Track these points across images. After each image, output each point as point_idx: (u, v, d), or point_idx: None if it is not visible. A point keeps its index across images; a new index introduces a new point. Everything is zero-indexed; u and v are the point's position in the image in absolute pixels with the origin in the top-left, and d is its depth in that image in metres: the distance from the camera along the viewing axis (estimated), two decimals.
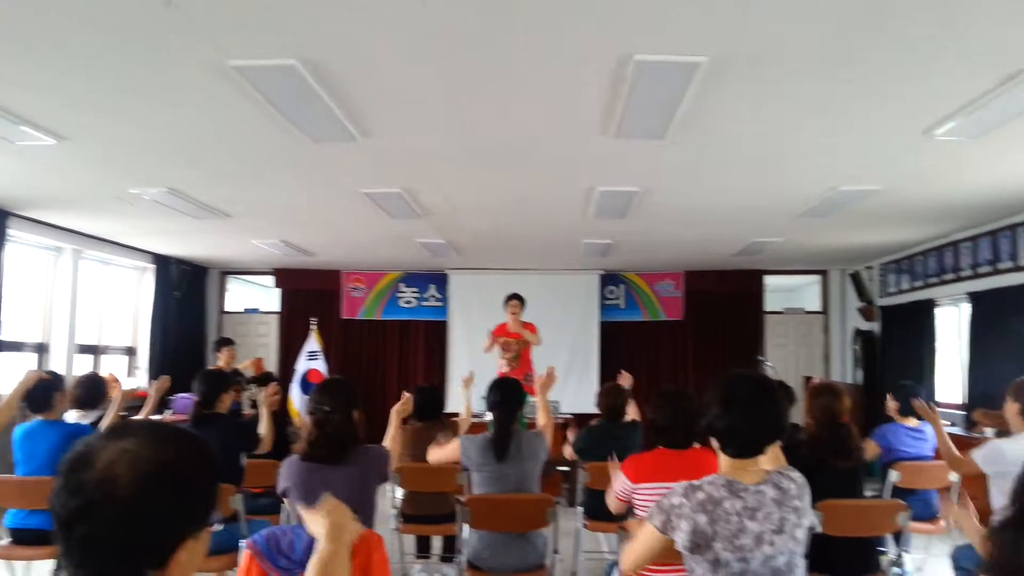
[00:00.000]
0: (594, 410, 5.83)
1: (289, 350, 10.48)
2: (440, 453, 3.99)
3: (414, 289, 10.77)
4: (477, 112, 4.17)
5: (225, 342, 7.99)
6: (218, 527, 3.68)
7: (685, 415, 3.37)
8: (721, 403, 2.14)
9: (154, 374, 9.22)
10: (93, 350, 8.65)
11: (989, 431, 6.41)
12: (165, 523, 1.09)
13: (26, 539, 3.96)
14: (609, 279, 10.68)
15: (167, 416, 7.85)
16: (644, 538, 2.21)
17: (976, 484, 3.91)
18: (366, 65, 3.48)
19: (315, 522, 1.70)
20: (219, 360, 7.73)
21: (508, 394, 3.88)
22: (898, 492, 4.56)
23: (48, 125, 4.33)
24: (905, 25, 3.06)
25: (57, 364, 7.62)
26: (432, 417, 5.00)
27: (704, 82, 3.59)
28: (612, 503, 3.48)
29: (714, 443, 2.21)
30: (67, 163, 5.15)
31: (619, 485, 3.40)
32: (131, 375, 9.27)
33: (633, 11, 2.96)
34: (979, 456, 3.75)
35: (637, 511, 3.32)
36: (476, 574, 3.67)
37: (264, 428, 4.43)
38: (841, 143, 4.67)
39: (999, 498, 3.61)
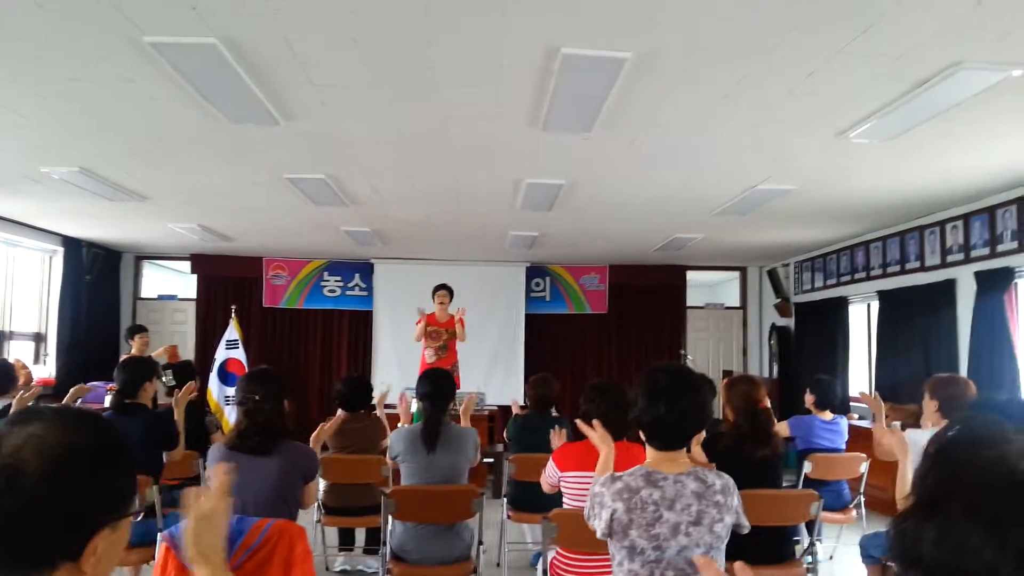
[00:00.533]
0: (519, 402, 5.89)
1: (207, 338, 10.20)
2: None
3: (338, 278, 10.62)
4: (403, 99, 4.13)
5: (138, 329, 7.75)
6: (138, 518, 3.57)
7: (617, 408, 3.41)
8: (647, 396, 2.18)
9: (63, 360, 8.87)
10: None
11: (896, 424, 6.69)
12: (76, 512, 1.04)
13: None
14: (535, 271, 10.75)
15: (80, 405, 7.56)
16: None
17: (884, 472, 4.06)
18: (288, 47, 3.40)
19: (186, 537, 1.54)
20: (132, 348, 7.48)
21: (439, 386, 3.86)
22: (811, 483, 4.72)
23: None
24: (822, 30, 3.16)
25: None
26: (358, 408, 4.95)
27: (629, 77, 3.64)
28: (545, 485, 3.53)
29: (641, 435, 2.26)
30: None
31: (549, 471, 3.45)
32: (39, 362, 8.88)
33: (561, 4, 2.97)
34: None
35: (564, 500, 3.36)
36: (401, 566, 3.65)
37: (178, 421, 4.30)
38: (758, 143, 4.80)
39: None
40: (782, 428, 4.94)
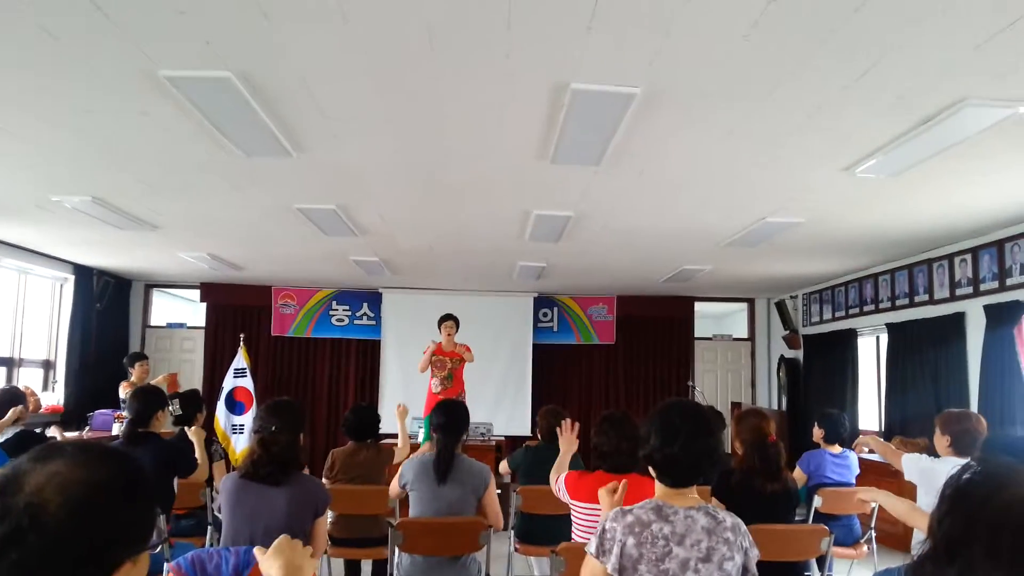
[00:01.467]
0: (526, 432, 5.87)
1: (215, 366, 10.22)
2: (393, 487, 3.90)
3: (347, 307, 10.64)
4: (413, 132, 4.17)
5: (138, 357, 7.77)
6: (156, 549, 3.56)
7: (629, 440, 3.41)
8: (660, 435, 2.18)
9: (71, 388, 8.89)
10: (8, 362, 8.28)
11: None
12: (99, 548, 1.05)
13: None
14: (543, 302, 10.75)
15: (86, 433, 7.57)
16: (586, 567, 2.22)
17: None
18: (300, 80, 3.45)
19: (269, 563, 1.62)
20: (132, 376, 7.50)
21: (453, 417, 3.85)
22: (821, 517, 4.68)
23: None
24: (824, 69, 3.21)
25: None
26: (367, 437, 4.94)
27: (638, 112, 3.68)
28: (553, 487, 3.52)
29: (651, 471, 2.25)
30: None
31: (560, 487, 3.45)
32: (48, 389, 8.90)
33: (570, 40, 3.01)
34: (913, 462, 3.87)
35: (574, 532, 3.35)
36: None
37: (199, 458, 4.36)
38: (767, 177, 4.82)
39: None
40: (798, 474, 4.91)
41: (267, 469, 3.00)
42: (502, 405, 10.13)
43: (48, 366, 9.11)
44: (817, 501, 4.76)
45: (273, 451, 3.02)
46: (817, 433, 5.19)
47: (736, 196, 5.33)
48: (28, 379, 8.49)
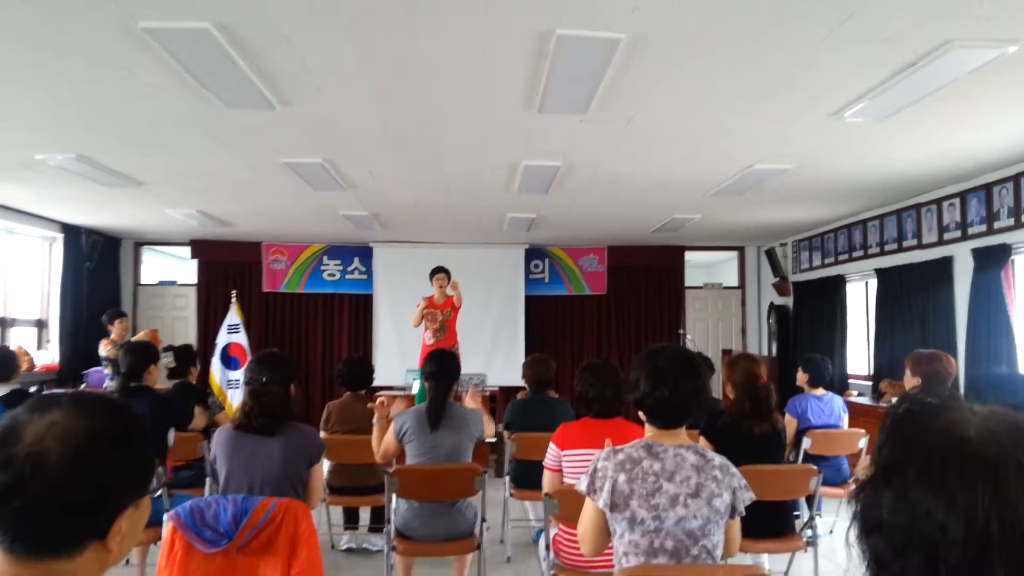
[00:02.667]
0: (519, 383, 5.90)
1: (208, 323, 10.24)
2: (387, 440, 3.92)
3: (338, 262, 10.64)
4: (395, 86, 4.14)
5: (118, 314, 7.77)
6: (156, 494, 3.63)
7: (611, 387, 3.48)
8: (649, 378, 2.22)
9: (65, 347, 8.92)
10: (0, 322, 8.28)
11: (895, 400, 6.73)
12: (100, 495, 1.08)
13: None
14: (534, 253, 10.76)
15: (82, 389, 7.62)
16: (584, 514, 2.27)
17: None
18: (281, 31, 3.41)
19: None
20: (112, 333, 7.52)
21: (443, 365, 3.91)
22: (810, 459, 4.77)
23: None
24: (806, 17, 3.19)
25: None
26: (361, 388, 5.00)
27: (624, 59, 3.65)
28: (547, 480, 3.53)
29: (641, 415, 2.30)
30: None
31: (550, 454, 3.48)
32: (42, 348, 8.92)
33: None
34: None
35: (566, 479, 3.40)
36: (406, 543, 3.70)
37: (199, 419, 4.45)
38: (754, 124, 4.81)
39: None
40: (790, 423, 4.98)
41: (260, 420, 3.04)
42: (495, 356, 10.20)
43: (41, 325, 9.12)
44: (806, 443, 4.85)
45: (264, 402, 3.06)
46: (801, 377, 5.27)
47: (723, 144, 5.31)
48: (21, 339, 8.51)
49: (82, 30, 3.36)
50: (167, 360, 4.91)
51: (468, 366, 7.73)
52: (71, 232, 9.15)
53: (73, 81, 4.05)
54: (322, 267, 10.62)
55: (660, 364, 2.24)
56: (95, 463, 1.07)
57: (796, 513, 4.00)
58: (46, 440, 1.04)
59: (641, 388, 2.24)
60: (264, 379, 3.15)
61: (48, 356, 8.82)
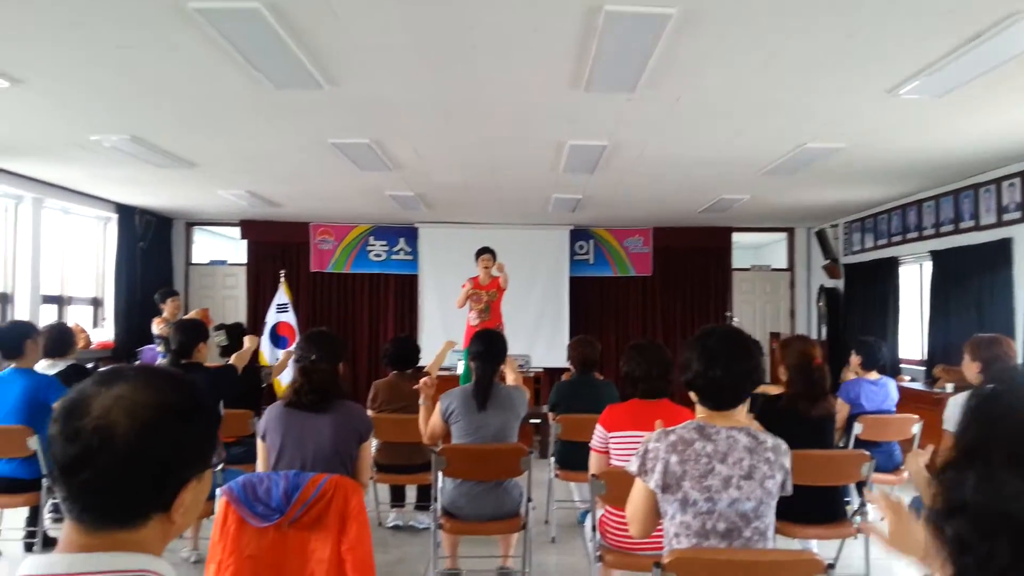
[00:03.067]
0: (563, 364, 5.91)
1: (258, 302, 10.42)
2: (433, 421, 3.93)
3: (383, 242, 10.72)
4: (444, 63, 4.13)
5: (170, 293, 7.93)
6: (218, 467, 3.72)
7: (659, 366, 3.45)
8: (701, 359, 2.19)
9: (120, 325, 9.15)
10: (58, 300, 8.52)
11: (949, 386, 6.58)
12: (166, 467, 1.09)
13: None
14: (579, 234, 10.71)
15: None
16: (634, 495, 2.26)
17: (937, 434, 4.00)
18: (330, 10, 3.42)
19: None
20: (164, 312, 7.68)
21: (490, 345, 3.92)
22: (861, 444, 4.68)
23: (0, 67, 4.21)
24: None
25: (22, 314, 7.51)
26: (407, 367, 5.03)
27: (674, 35, 3.58)
28: (594, 462, 3.51)
29: (692, 396, 2.26)
30: (23, 108, 5.01)
31: (597, 435, 3.46)
32: (97, 326, 9.17)
33: None
34: (947, 420, 3.83)
35: (613, 461, 3.38)
36: (452, 522, 3.73)
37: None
38: (807, 101, 4.70)
39: None
40: (842, 407, 4.88)
41: (309, 397, 3.08)
42: (539, 338, 10.21)
43: (96, 303, 9.37)
44: (857, 428, 4.76)
45: (314, 379, 3.10)
46: (854, 360, 5.17)
47: (775, 122, 5.20)
48: (78, 316, 8.76)
49: (135, 9, 3.41)
50: (219, 338, 5.01)
51: (512, 347, 7.64)
52: (125, 212, 9.36)
53: (126, 61, 4.11)
54: (368, 247, 10.71)
55: (712, 344, 2.20)
56: (162, 436, 1.09)
57: (846, 499, 3.93)
58: (113, 413, 1.06)
59: (693, 368, 2.21)
60: (313, 357, 3.19)
61: (103, 334, 9.06)
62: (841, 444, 4.76)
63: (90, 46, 3.89)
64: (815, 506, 3.61)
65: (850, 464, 3.73)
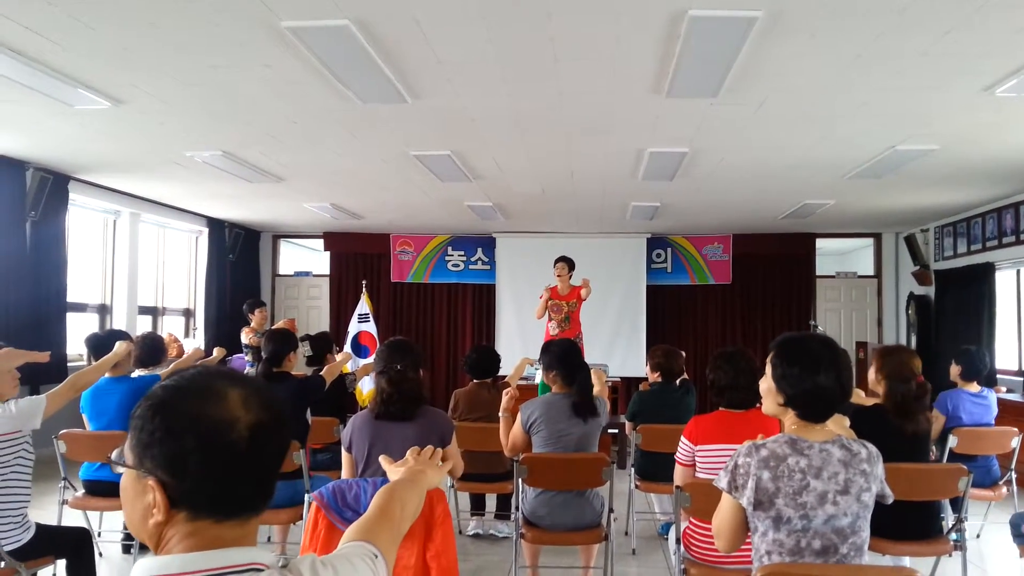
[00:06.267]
0: (640, 374, 5.85)
1: (340, 312, 10.66)
2: (514, 433, 3.91)
3: (461, 252, 10.83)
4: (526, 75, 4.16)
5: (257, 304, 8.18)
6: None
7: (746, 375, 3.35)
8: (801, 367, 2.11)
9: (210, 335, 9.48)
10: (153, 311, 8.90)
11: None
12: (280, 463, 1.14)
13: (99, 491, 4.12)
14: (656, 242, 10.61)
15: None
16: (722, 509, 2.20)
17: None
18: (416, 25, 3.49)
19: (395, 469, 1.75)
20: (252, 322, 7.91)
21: (566, 358, 3.89)
22: (956, 458, 4.48)
23: (104, 88, 4.43)
24: None
25: (119, 324, 7.88)
26: (488, 376, 5.06)
27: (759, 38, 3.54)
28: (679, 475, 3.46)
29: (782, 405, 2.18)
30: (123, 126, 5.28)
31: (682, 448, 3.40)
32: (189, 336, 9.53)
33: None
34: None
35: (699, 474, 3.32)
36: (534, 531, 3.72)
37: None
38: (897, 102, 4.55)
39: None
40: (938, 419, 4.70)
41: (398, 406, 3.13)
42: (617, 347, 10.14)
43: (188, 314, 9.74)
44: (952, 441, 4.56)
45: (404, 388, 3.15)
46: (954, 370, 4.94)
47: (864, 124, 5.06)
48: (171, 326, 9.12)
49: (230, 30, 3.56)
50: (304, 349, 5.13)
51: (590, 356, 7.71)
52: (216, 226, 9.72)
53: (220, 79, 4.29)
54: (446, 257, 10.83)
55: (812, 350, 2.13)
56: (287, 433, 1.16)
57: (941, 515, 3.76)
58: (278, 404, 1.12)
59: (790, 373, 2.14)
60: (399, 366, 3.23)
61: (195, 344, 9.39)
62: (934, 457, 4.57)
63: (189, 67, 4.08)
64: (909, 522, 3.47)
65: (947, 478, 3.57)
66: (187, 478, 1.04)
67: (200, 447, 1.04)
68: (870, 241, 10.83)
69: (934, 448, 4.63)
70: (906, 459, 3.39)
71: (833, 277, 10.89)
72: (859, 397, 3.94)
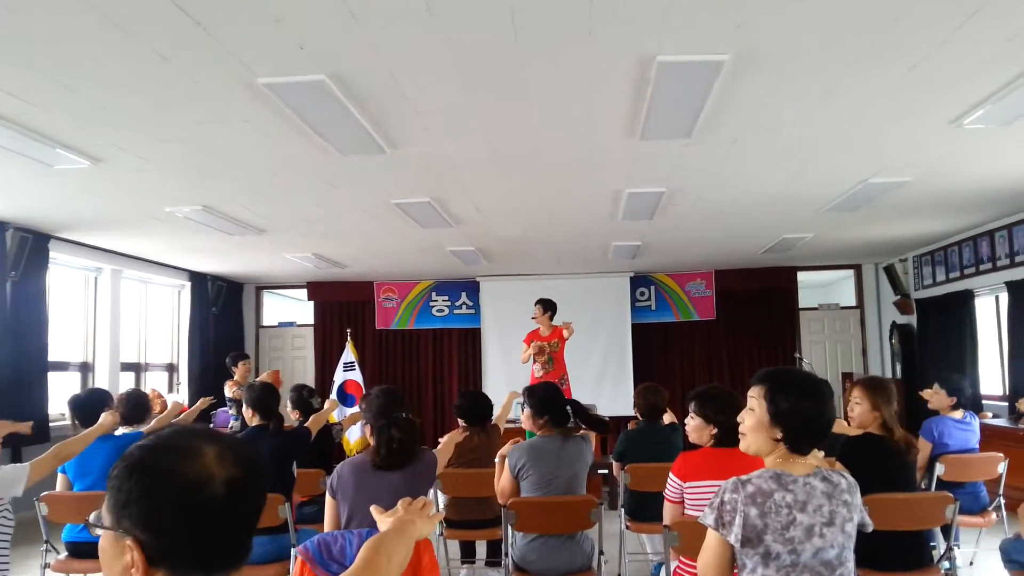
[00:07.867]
0: (628, 412, 5.84)
1: (325, 361, 10.62)
2: (503, 481, 3.91)
3: (445, 297, 10.85)
4: (501, 119, 4.22)
5: (241, 356, 8.10)
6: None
7: (730, 414, 3.37)
8: (794, 397, 2.13)
9: (194, 389, 9.40)
10: (136, 367, 8.82)
11: None
12: (247, 523, 1.14)
13: (82, 552, 4.05)
14: (639, 281, 10.68)
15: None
16: (707, 546, 2.19)
17: None
18: (391, 78, 3.55)
19: (383, 519, 1.75)
20: (235, 375, 7.84)
21: (547, 400, 3.91)
22: (944, 485, 4.49)
23: (83, 147, 4.46)
24: (925, 18, 3.06)
25: (101, 382, 7.80)
26: (478, 421, 5.02)
27: (728, 79, 3.61)
28: (668, 513, 3.45)
29: (768, 435, 2.20)
30: (103, 185, 5.29)
31: (670, 486, 3.40)
32: (172, 391, 9.44)
33: (652, 13, 2.99)
34: None
35: (688, 511, 3.31)
36: None
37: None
38: (868, 136, 4.65)
39: None
40: (924, 447, 4.72)
41: (400, 457, 3.12)
42: (603, 386, 10.13)
43: (172, 369, 9.67)
44: (939, 468, 4.57)
45: (410, 436, 3.15)
46: (940, 398, 4.97)
47: (836, 158, 5.15)
48: (154, 382, 9.04)
49: (210, 89, 3.60)
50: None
51: (576, 396, 7.69)
52: (198, 279, 9.70)
53: (200, 136, 4.33)
54: (431, 303, 10.85)
55: (801, 381, 2.16)
56: (262, 487, 1.15)
57: (932, 544, 3.76)
58: (256, 462, 1.13)
59: (783, 405, 2.16)
60: (404, 415, 3.22)
61: (179, 398, 9.30)
62: (923, 485, 4.58)
63: (168, 124, 4.11)
64: (900, 552, 3.46)
65: (934, 507, 3.57)
66: (164, 536, 1.04)
67: (176, 504, 1.04)
68: (850, 272, 10.94)
69: (924, 479, 4.64)
70: (891, 488, 3.40)
71: (816, 309, 10.97)
72: (841, 427, 3.96)
